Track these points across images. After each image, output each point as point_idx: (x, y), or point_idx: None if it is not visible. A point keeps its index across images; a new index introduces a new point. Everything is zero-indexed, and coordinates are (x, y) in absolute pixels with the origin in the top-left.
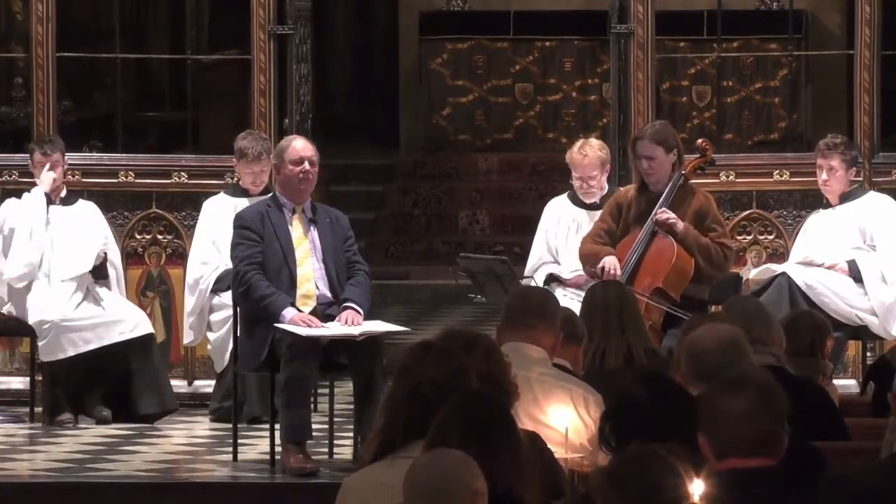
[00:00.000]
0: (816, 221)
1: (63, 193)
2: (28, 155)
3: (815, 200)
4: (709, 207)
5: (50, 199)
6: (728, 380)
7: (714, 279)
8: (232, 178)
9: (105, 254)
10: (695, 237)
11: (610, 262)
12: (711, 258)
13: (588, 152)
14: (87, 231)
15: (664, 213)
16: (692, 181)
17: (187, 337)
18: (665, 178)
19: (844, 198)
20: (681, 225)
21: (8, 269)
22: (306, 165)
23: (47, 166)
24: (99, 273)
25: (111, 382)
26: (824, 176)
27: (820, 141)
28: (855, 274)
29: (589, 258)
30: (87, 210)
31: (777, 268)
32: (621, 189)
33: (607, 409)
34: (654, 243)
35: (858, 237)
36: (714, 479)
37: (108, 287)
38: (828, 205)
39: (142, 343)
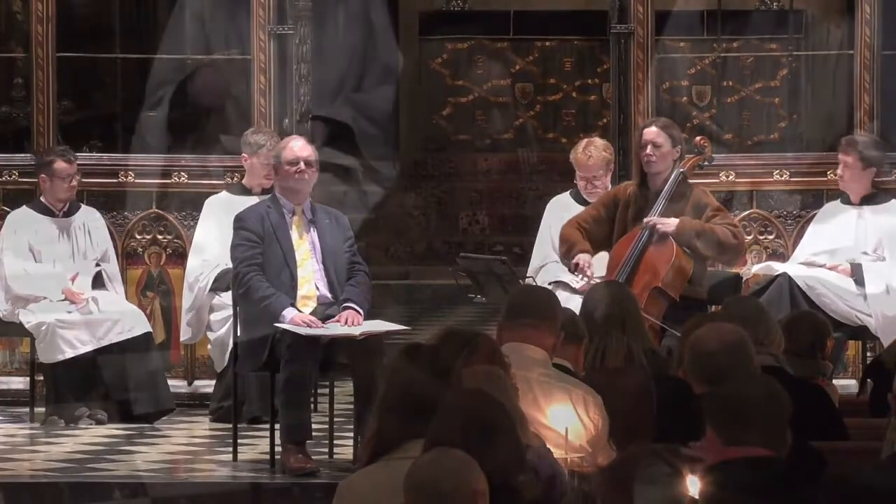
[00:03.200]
0: (835, 215)
1: (66, 207)
2: (30, 155)
3: (815, 200)
4: (706, 199)
5: (53, 212)
6: (741, 375)
7: (733, 261)
8: (232, 178)
9: (99, 271)
10: (692, 227)
11: (584, 259)
12: (719, 239)
13: (592, 153)
14: (85, 251)
15: (653, 220)
16: (690, 180)
17: (184, 334)
18: (665, 173)
19: (866, 199)
20: (671, 227)
21: (17, 286)
22: (301, 165)
23: (67, 180)
24: (94, 284)
25: (108, 382)
26: (839, 171)
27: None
28: (857, 276)
29: (565, 244)
30: (87, 220)
31: (779, 267)
32: (621, 184)
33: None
34: (654, 242)
35: (870, 244)
36: (720, 469)
37: (105, 288)
38: (847, 199)
39: (138, 343)
